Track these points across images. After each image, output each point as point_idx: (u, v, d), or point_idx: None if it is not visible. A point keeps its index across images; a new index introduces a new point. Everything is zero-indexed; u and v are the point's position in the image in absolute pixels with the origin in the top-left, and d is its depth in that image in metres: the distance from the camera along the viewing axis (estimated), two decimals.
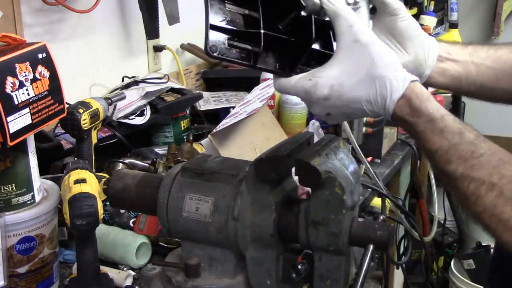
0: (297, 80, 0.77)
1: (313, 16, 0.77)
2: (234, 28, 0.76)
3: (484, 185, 0.69)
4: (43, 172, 1.29)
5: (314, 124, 1.78)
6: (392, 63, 0.75)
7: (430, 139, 0.73)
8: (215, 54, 0.76)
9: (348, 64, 0.75)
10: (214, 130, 1.63)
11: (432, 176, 2.33)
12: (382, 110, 0.76)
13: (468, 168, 0.71)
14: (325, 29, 0.78)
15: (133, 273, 1.25)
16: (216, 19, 0.76)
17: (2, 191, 1.10)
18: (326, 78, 0.75)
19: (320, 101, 0.76)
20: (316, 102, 0.77)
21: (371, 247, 0.83)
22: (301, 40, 0.78)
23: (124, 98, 1.65)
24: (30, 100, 1.06)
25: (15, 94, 1.03)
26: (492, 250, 1.58)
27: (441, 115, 0.74)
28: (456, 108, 2.42)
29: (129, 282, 1.22)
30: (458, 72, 0.95)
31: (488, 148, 0.72)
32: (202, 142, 1.68)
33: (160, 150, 1.80)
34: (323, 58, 0.78)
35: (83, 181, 1.05)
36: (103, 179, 1.03)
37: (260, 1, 0.78)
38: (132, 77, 1.94)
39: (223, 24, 0.76)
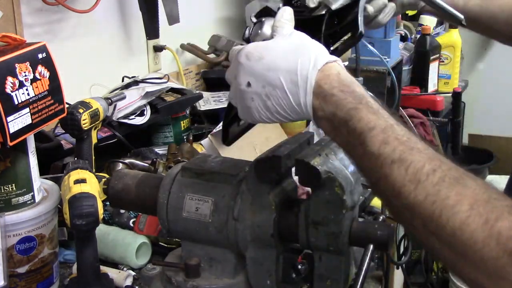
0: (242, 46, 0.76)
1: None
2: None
3: (424, 169, 0.61)
4: (43, 172, 1.29)
5: (315, 124, 1.77)
6: (320, 46, 0.72)
7: (365, 116, 0.65)
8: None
9: (278, 41, 0.73)
10: (214, 130, 1.63)
11: None
12: (303, 82, 0.68)
13: (407, 150, 0.62)
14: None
15: (133, 273, 1.25)
16: None
17: (2, 191, 1.10)
18: (254, 43, 0.74)
19: (241, 60, 0.72)
20: (239, 65, 0.72)
21: (371, 247, 0.84)
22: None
23: (124, 98, 1.65)
24: (30, 100, 1.06)
25: (15, 94, 1.03)
26: None
27: (372, 97, 0.68)
28: (456, 108, 2.42)
29: (129, 282, 1.22)
30: None
31: (421, 140, 0.66)
32: (202, 142, 1.68)
33: (160, 150, 1.80)
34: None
35: (83, 181, 1.05)
36: (103, 179, 1.03)
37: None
38: (132, 77, 1.94)
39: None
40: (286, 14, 0.78)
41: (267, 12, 0.87)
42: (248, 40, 0.85)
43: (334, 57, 0.71)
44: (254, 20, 0.86)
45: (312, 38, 0.75)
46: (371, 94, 0.70)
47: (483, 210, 0.58)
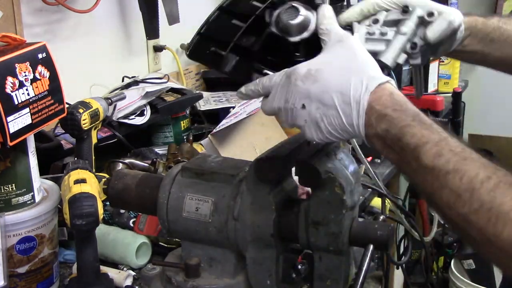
0: (280, 71, 0.77)
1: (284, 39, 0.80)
2: (222, 39, 0.82)
3: (479, 177, 0.62)
4: (43, 172, 1.29)
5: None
6: (371, 62, 0.73)
7: (418, 132, 0.66)
8: (192, 55, 0.81)
9: (329, 56, 0.74)
10: (214, 130, 1.63)
11: None
12: (355, 104, 0.69)
13: (461, 161, 0.64)
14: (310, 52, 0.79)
15: (133, 273, 1.25)
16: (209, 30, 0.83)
17: (2, 191, 1.10)
18: (305, 64, 0.74)
19: (296, 85, 0.72)
20: (293, 87, 0.73)
21: (371, 247, 0.84)
22: (282, 59, 0.81)
23: (124, 98, 1.65)
24: (30, 100, 1.06)
25: (15, 94, 1.03)
26: None
27: (424, 114, 0.69)
28: (456, 108, 2.42)
29: (129, 282, 1.22)
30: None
31: (475, 150, 0.67)
32: (202, 142, 1.68)
33: (160, 150, 1.80)
34: None
35: (83, 181, 1.05)
36: (103, 179, 1.03)
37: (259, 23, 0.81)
38: (132, 77, 1.94)
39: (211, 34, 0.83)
40: (328, 12, 0.78)
41: None
42: (264, 24, 0.81)
43: (386, 78, 0.71)
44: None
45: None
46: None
47: None
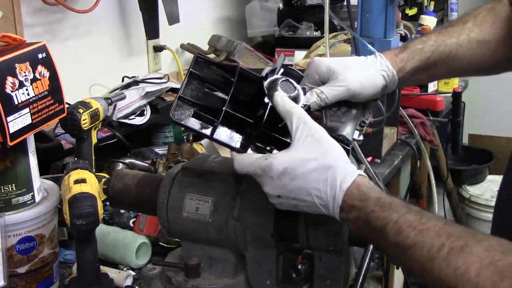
0: (255, 159, 0.81)
1: (269, 104, 0.83)
2: (200, 103, 0.85)
3: (434, 247, 0.70)
4: (43, 172, 1.29)
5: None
6: (342, 155, 0.81)
7: (380, 215, 0.75)
8: (176, 119, 0.83)
9: (302, 154, 0.79)
10: None
11: (432, 176, 2.33)
12: (331, 200, 0.78)
13: (418, 234, 0.72)
14: (278, 116, 0.83)
15: (133, 273, 1.25)
16: (188, 93, 0.85)
17: (2, 191, 1.10)
18: (281, 160, 0.79)
19: (273, 179, 0.79)
20: (270, 179, 0.79)
21: (371, 247, 0.84)
22: (256, 122, 0.84)
23: (124, 98, 1.65)
24: (30, 100, 1.06)
25: (15, 94, 1.03)
26: None
27: (386, 195, 0.78)
28: (456, 108, 2.42)
29: (129, 282, 1.22)
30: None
31: (433, 215, 0.75)
32: (202, 142, 1.68)
33: (160, 150, 1.80)
34: (279, 144, 0.85)
35: (83, 181, 1.05)
36: (103, 179, 1.03)
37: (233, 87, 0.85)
38: (132, 77, 1.94)
39: (192, 99, 0.85)
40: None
41: (287, 72, 0.89)
42: (260, 88, 0.85)
43: (356, 171, 0.79)
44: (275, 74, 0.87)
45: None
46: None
47: (489, 273, 0.66)
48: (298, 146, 0.80)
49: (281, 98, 0.83)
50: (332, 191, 0.78)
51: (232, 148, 0.84)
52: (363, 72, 0.96)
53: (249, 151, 0.84)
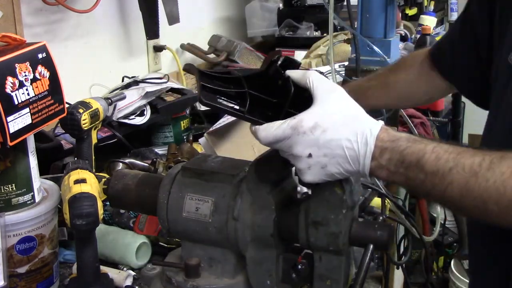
0: (281, 122, 0.80)
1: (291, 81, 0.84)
2: (222, 88, 0.84)
3: (475, 162, 0.73)
4: (43, 172, 1.29)
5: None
6: (363, 110, 0.82)
7: (415, 149, 0.77)
8: (207, 101, 0.82)
9: (328, 107, 0.80)
10: (211, 129, 1.63)
11: None
12: (362, 147, 0.78)
13: (456, 156, 0.75)
14: (300, 98, 0.83)
15: (133, 273, 1.25)
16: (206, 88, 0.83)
17: (2, 191, 1.10)
18: (310, 115, 0.79)
19: (306, 134, 0.78)
20: (301, 136, 0.78)
21: (371, 247, 0.84)
22: (281, 102, 0.83)
23: (124, 98, 1.65)
24: (30, 100, 1.06)
25: (15, 94, 1.03)
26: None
27: (414, 136, 0.80)
28: (456, 108, 2.42)
29: (129, 282, 1.22)
30: None
31: (461, 144, 0.79)
32: (200, 140, 1.68)
33: (160, 150, 1.80)
34: None
35: (83, 181, 1.05)
36: (103, 179, 1.03)
37: (245, 79, 0.85)
38: (132, 77, 1.94)
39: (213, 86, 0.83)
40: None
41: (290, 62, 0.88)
42: (266, 74, 0.85)
43: (380, 122, 0.81)
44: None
45: None
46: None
47: None
48: (322, 102, 0.80)
49: (294, 70, 0.85)
50: (363, 138, 0.78)
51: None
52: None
53: None
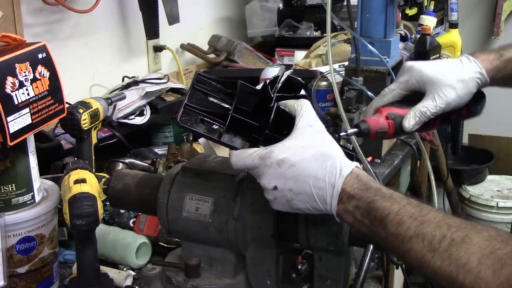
0: (254, 150, 0.80)
1: (274, 106, 0.84)
2: (206, 110, 0.85)
3: (436, 238, 0.71)
4: (43, 172, 1.29)
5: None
6: (339, 149, 0.81)
7: (381, 205, 0.75)
8: (184, 125, 0.83)
9: (302, 141, 0.79)
10: None
11: (432, 176, 2.33)
12: (329, 188, 0.77)
13: (420, 225, 0.73)
14: (282, 121, 0.84)
15: (133, 273, 1.25)
16: (193, 102, 0.85)
17: (2, 191, 1.10)
18: (281, 148, 0.79)
19: (271, 167, 0.78)
20: (268, 169, 0.78)
21: (371, 247, 0.84)
22: (261, 125, 0.84)
23: (124, 98, 1.65)
24: (30, 100, 1.06)
25: (15, 94, 1.03)
26: None
27: (385, 187, 0.78)
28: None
29: (129, 282, 1.22)
30: None
31: (432, 208, 0.76)
32: (200, 140, 1.68)
33: (160, 150, 1.80)
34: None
35: (83, 181, 1.05)
36: (103, 179, 1.03)
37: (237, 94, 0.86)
38: (132, 77, 1.94)
39: (197, 106, 0.85)
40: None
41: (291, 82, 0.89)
42: (264, 94, 0.86)
43: (353, 163, 0.80)
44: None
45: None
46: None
47: (489, 262, 0.67)
48: (298, 134, 0.80)
49: (288, 100, 0.85)
50: (331, 179, 0.77)
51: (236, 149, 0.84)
52: (460, 84, 1.01)
53: None
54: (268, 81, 0.86)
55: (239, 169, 0.81)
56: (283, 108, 0.84)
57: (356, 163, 0.80)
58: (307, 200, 0.78)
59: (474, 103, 1.05)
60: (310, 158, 0.78)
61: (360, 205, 0.76)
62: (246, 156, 0.80)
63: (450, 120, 1.07)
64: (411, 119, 1.02)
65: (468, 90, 1.02)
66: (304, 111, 0.82)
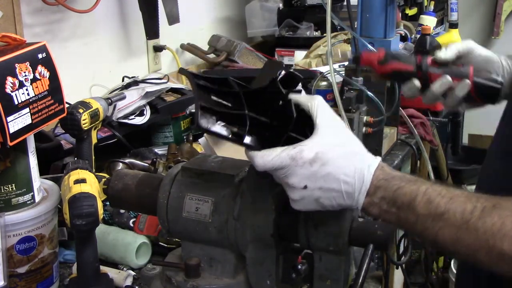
0: (281, 149, 0.78)
1: (293, 105, 0.81)
2: (221, 110, 0.81)
3: (467, 210, 0.73)
4: (43, 172, 1.29)
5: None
6: (362, 145, 0.82)
7: (407, 190, 0.76)
8: (204, 127, 0.79)
9: (329, 139, 0.78)
10: None
11: (432, 176, 2.33)
12: (358, 184, 0.77)
13: (448, 201, 0.74)
14: (301, 121, 0.81)
15: (133, 273, 1.25)
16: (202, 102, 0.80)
17: (2, 191, 1.10)
18: (311, 145, 0.77)
19: (303, 167, 0.76)
20: (299, 168, 0.77)
21: (371, 247, 0.84)
22: (281, 125, 0.82)
23: (124, 98, 1.65)
24: (30, 100, 1.06)
25: (15, 94, 1.03)
26: None
27: (410, 175, 0.80)
28: None
29: (129, 282, 1.22)
30: None
31: (457, 187, 0.78)
32: (200, 140, 1.68)
33: (160, 150, 1.80)
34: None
35: (83, 181, 1.05)
36: (103, 179, 1.03)
37: (244, 95, 0.82)
38: (132, 77, 1.94)
39: (211, 106, 0.80)
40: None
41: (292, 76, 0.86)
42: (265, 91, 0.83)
43: (378, 157, 0.81)
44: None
45: None
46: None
47: None
48: (323, 132, 0.79)
49: (299, 95, 0.83)
50: (360, 175, 0.77)
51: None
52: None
53: None
54: (274, 77, 0.84)
55: (266, 169, 0.78)
56: (297, 104, 0.82)
57: (379, 158, 0.81)
58: (334, 197, 0.78)
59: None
60: (340, 155, 0.77)
61: (386, 195, 0.77)
62: (274, 157, 0.77)
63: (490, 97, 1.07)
64: (448, 49, 1.10)
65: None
66: (321, 107, 0.80)
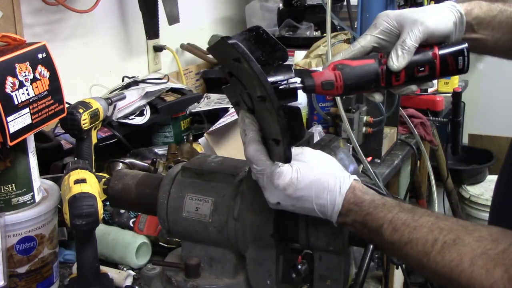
0: (264, 160, 0.81)
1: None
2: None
3: (428, 242, 0.74)
4: (43, 172, 1.29)
5: (317, 128, 1.78)
6: (336, 162, 0.85)
7: (375, 217, 0.79)
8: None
9: (304, 161, 0.82)
10: (211, 129, 1.63)
11: (432, 176, 2.33)
12: (330, 206, 0.80)
13: (412, 231, 0.76)
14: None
15: (133, 273, 1.25)
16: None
17: (2, 191, 1.10)
18: (286, 172, 0.81)
19: (279, 187, 0.80)
20: (274, 189, 0.81)
21: (371, 247, 0.84)
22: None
23: (124, 98, 1.65)
24: (30, 100, 1.06)
25: (15, 94, 1.03)
26: None
27: (379, 196, 0.82)
28: (456, 108, 2.42)
29: (129, 282, 1.22)
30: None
31: (424, 211, 0.78)
32: (200, 140, 1.68)
33: (160, 150, 1.80)
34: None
35: (83, 181, 1.05)
36: (103, 179, 1.03)
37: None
38: (132, 77, 1.94)
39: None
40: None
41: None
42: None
43: (351, 176, 0.83)
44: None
45: None
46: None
47: (481, 262, 0.70)
48: (299, 157, 0.82)
49: None
50: (332, 197, 0.80)
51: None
52: (433, 10, 0.93)
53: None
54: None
55: (248, 158, 0.82)
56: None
57: (354, 176, 0.83)
58: (308, 212, 0.82)
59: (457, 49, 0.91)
60: (313, 180, 0.80)
61: (357, 218, 0.80)
62: (256, 171, 0.82)
63: (447, 68, 0.91)
64: (393, 57, 0.89)
65: (445, 15, 0.92)
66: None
